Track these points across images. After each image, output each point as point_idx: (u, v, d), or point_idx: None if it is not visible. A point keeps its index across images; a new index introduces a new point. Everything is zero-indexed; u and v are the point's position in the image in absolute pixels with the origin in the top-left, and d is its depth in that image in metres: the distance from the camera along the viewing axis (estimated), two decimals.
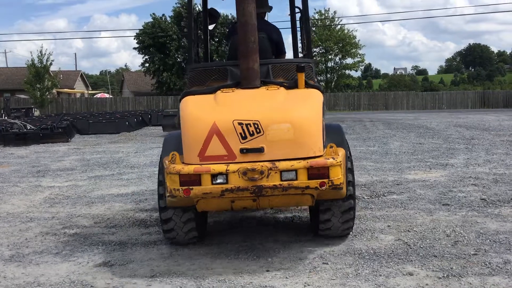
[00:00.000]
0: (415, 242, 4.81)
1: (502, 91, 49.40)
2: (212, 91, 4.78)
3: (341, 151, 4.52)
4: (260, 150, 4.25)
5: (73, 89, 60.19)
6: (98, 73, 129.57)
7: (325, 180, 4.18)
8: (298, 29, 6.02)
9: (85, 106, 43.20)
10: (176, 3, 51.61)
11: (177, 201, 4.37)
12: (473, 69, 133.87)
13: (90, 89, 72.50)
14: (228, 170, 4.18)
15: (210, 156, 4.28)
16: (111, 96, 55.64)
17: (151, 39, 51.41)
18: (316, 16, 56.15)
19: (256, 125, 4.26)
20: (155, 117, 25.65)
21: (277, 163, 4.20)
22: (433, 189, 7.22)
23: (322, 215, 4.73)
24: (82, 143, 16.70)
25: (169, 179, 4.27)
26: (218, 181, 4.21)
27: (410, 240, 4.90)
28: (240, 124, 4.26)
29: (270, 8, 5.82)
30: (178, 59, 51.73)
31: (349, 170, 4.70)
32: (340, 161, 4.25)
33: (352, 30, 55.07)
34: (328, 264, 4.33)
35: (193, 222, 4.74)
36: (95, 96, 52.18)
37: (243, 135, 4.26)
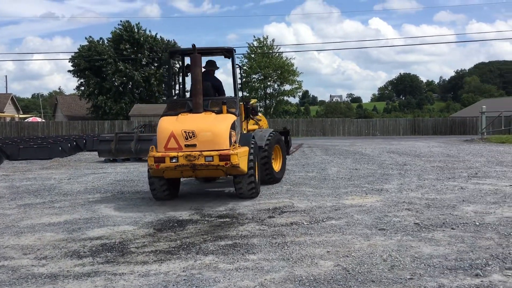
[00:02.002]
0: (354, 268, 4.87)
1: (431, 118, 52.00)
2: (176, 114, 8.68)
3: (244, 148, 8.34)
4: (194, 145, 7.96)
5: (3, 112, 57.72)
6: (30, 96, 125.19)
7: (228, 162, 7.81)
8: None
9: (15, 131, 41.45)
10: (118, 24, 51.08)
11: (154, 172, 8.12)
12: (403, 98, 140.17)
13: (21, 112, 69.78)
14: (178, 155, 7.89)
15: (169, 148, 8.04)
16: (43, 120, 53.72)
17: (87, 62, 50.34)
18: (255, 44, 57.22)
19: (193, 133, 8.02)
20: (91, 142, 24.88)
21: (203, 152, 7.86)
22: (370, 214, 7.39)
23: (237, 182, 8.58)
24: (11, 169, 15.91)
25: (149, 160, 8.00)
26: (173, 161, 7.88)
27: (348, 265, 4.95)
28: (185, 131, 8.03)
29: (217, 68, 9.90)
30: (116, 83, 50.86)
31: (251, 155, 8.49)
32: (237, 152, 7.90)
33: (290, 58, 56.54)
34: None
35: (166, 186, 8.65)
36: (26, 120, 50.20)
37: (186, 137, 8.01)
